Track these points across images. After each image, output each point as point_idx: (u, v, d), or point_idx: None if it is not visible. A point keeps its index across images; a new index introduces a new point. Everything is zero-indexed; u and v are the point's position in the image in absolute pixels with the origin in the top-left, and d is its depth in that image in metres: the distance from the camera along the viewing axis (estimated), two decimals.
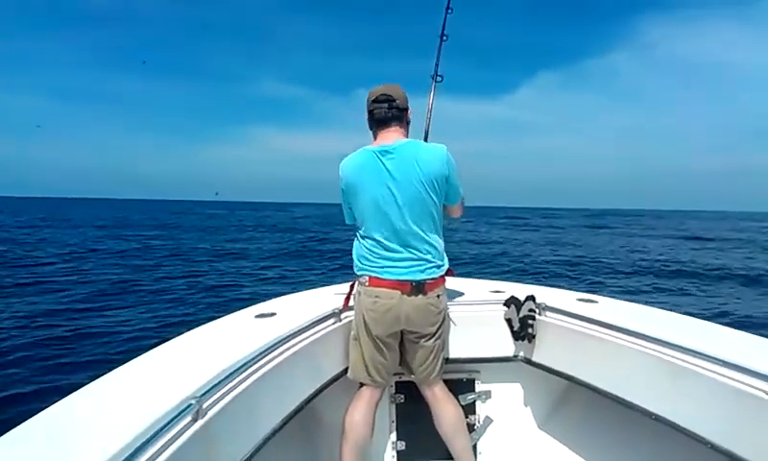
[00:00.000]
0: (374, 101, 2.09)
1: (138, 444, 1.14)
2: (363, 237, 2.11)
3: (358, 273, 2.12)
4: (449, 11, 2.85)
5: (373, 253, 2.07)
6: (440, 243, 2.11)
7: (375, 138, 2.13)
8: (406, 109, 2.14)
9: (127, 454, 1.10)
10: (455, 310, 2.41)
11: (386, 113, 2.07)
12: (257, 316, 2.19)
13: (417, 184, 1.99)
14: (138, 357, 1.73)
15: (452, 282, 2.81)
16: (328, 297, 2.53)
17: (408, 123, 2.18)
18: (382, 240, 2.04)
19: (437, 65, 2.75)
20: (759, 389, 1.55)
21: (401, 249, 2.03)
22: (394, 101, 2.07)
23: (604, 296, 2.62)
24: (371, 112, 2.11)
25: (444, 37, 2.82)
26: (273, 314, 2.21)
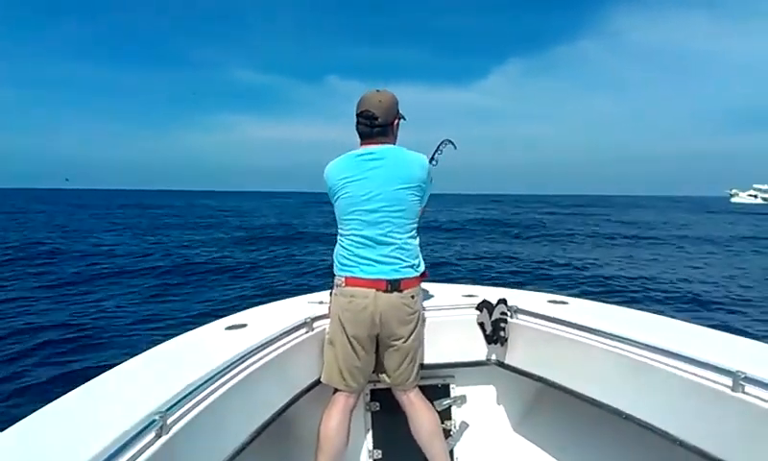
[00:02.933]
0: (359, 115, 2.15)
1: None
2: (342, 236, 2.16)
3: (336, 274, 2.15)
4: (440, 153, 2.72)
5: (351, 252, 2.10)
6: (415, 244, 2.16)
7: (361, 145, 2.19)
8: (391, 124, 2.18)
9: None
10: (429, 315, 2.41)
11: (368, 130, 2.15)
12: (228, 328, 2.14)
13: (397, 187, 2.08)
14: (103, 373, 1.66)
15: (426, 286, 2.82)
16: (302, 306, 2.50)
17: (394, 134, 2.23)
18: (360, 240, 2.08)
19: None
20: (724, 384, 1.59)
21: (378, 248, 2.07)
22: (376, 118, 2.12)
23: (575, 297, 2.66)
24: (357, 123, 2.17)
25: (434, 162, 2.65)
26: (243, 325, 2.16)
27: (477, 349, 2.48)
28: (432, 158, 2.72)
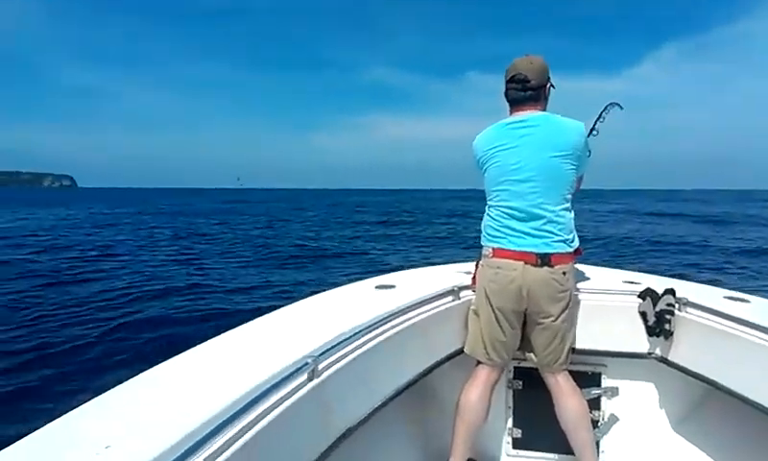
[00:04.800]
0: (509, 80, 2.07)
1: (253, 396, 1.18)
2: (491, 207, 2.11)
3: (483, 244, 2.11)
4: (602, 120, 2.60)
5: (500, 223, 2.04)
6: (569, 218, 2.03)
7: (510, 113, 2.11)
8: (543, 87, 2.08)
9: (242, 405, 1.14)
10: (584, 297, 2.26)
11: (520, 95, 2.06)
12: (377, 287, 2.24)
13: (550, 155, 1.97)
14: (259, 317, 1.83)
15: (582, 267, 2.65)
16: (449, 274, 2.51)
17: (547, 98, 2.13)
18: (509, 211, 2.01)
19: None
20: None
21: (529, 220, 1.98)
22: (528, 82, 2.03)
23: (758, 296, 2.30)
24: (506, 90, 2.10)
25: (595, 132, 2.55)
26: (392, 286, 2.24)
27: (636, 340, 2.27)
28: (593, 129, 2.55)
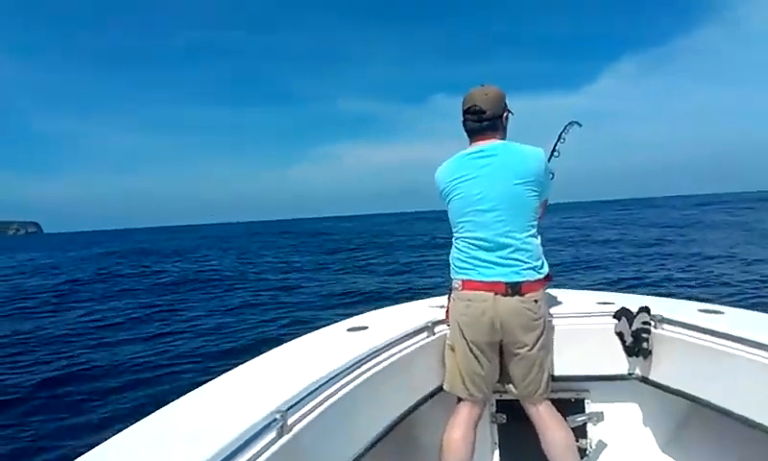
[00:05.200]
0: (466, 111, 2.07)
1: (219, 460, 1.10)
2: (457, 239, 2.08)
3: (452, 277, 2.08)
4: (562, 140, 2.66)
5: (467, 254, 2.02)
6: (536, 244, 2.01)
7: (471, 144, 2.11)
8: (500, 116, 2.08)
9: None
10: (559, 322, 2.23)
11: (477, 126, 2.06)
12: (349, 329, 2.16)
13: (512, 183, 1.96)
14: (227, 373, 1.73)
15: (554, 292, 2.63)
16: (422, 310, 2.46)
17: (505, 127, 2.13)
18: (475, 241, 1.99)
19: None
20: None
21: (496, 249, 1.96)
22: (483, 112, 2.03)
23: (730, 306, 2.31)
24: (463, 121, 2.10)
25: (557, 153, 2.60)
26: (365, 328, 2.17)
27: (616, 361, 2.24)
28: (554, 150, 2.58)
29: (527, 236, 1.98)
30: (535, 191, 2.00)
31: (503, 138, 2.11)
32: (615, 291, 2.93)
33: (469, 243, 2.01)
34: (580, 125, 2.82)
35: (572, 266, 14.55)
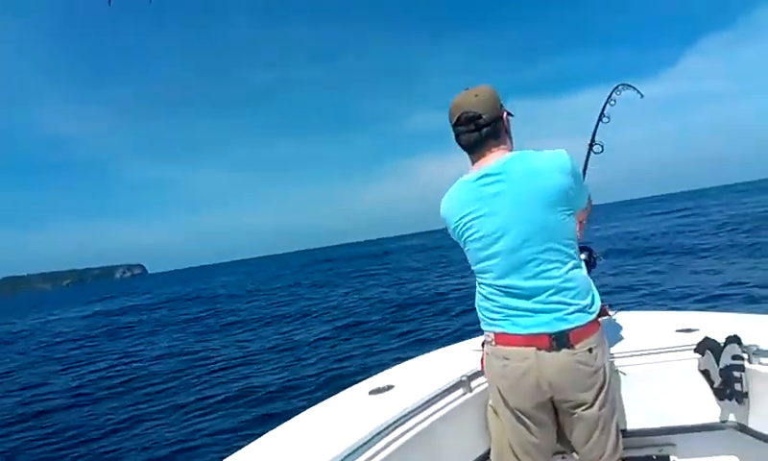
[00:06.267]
0: (456, 123, 1.69)
1: None
2: (481, 284, 1.73)
3: (483, 328, 1.73)
4: (612, 102, 2.56)
5: (495, 302, 1.66)
6: (582, 276, 1.63)
7: (473, 163, 1.73)
8: (500, 118, 1.69)
9: None
10: (627, 362, 1.86)
11: (475, 137, 1.67)
12: (371, 392, 1.92)
13: (535, 206, 1.57)
14: (241, 450, 1.59)
15: (621, 317, 2.23)
16: (454, 359, 2.15)
17: (508, 131, 1.75)
18: (503, 284, 1.62)
19: (593, 136, 2.45)
20: None
21: (531, 295, 1.58)
22: (480, 118, 1.64)
23: None
24: (456, 137, 1.72)
25: (606, 119, 2.51)
26: (389, 388, 1.92)
27: (704, 407, 1.82)
28: (602, 115, 2.44)
29: (568, 270, 1.60)
30: (567, 209, 1.60)
31: (511, 146, 1.74)
32: (706, 304, 2.45)
33: (496, 287, 1.65)
34: (641, 94, 2.66)
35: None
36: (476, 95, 1.67)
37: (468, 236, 1.68)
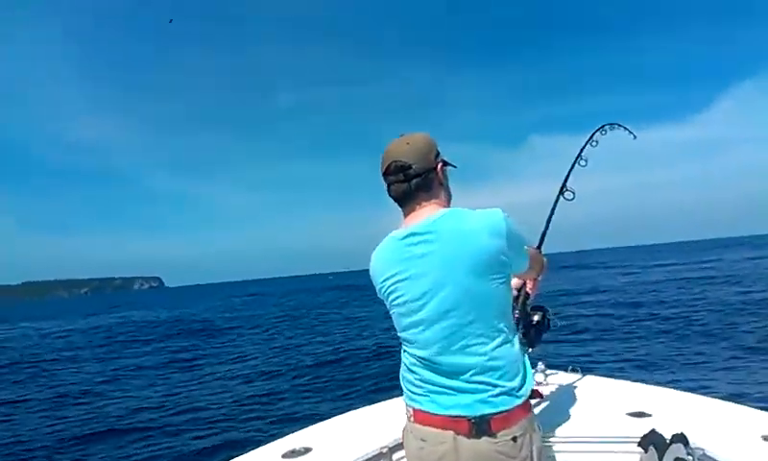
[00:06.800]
0: (385, 173, 1.57)
1: None
2: (405, 352, 1.58)
3: (404, 401, 1.58)
4: (594, 143, 2.46)
5: (417, 375, 1.50)
6: (512, 354, 1.46)
7: (405, 216, 1.59)
8: (433, 169, 1.56)
9: None
10: (562, 449, 1.71)
11: (404, 188, 1.54)
12: (285, 455, 1.77)
13: (462, 271, 1.41)
14: None
15: (558, 396, 2.08)
16: (380, 423, 2.00)
17: (443, 184, 1.61)
18: (425, 357, 1.47)
19: (565, 180, 2.33)
20: None
21: (453, 372, 1.43)
22: (409, 168, 1.51)
23: None
24: (387, 188, 1.59)
25: (583, 162, 2.39)
26: (306, 451, 1.77)
27: None
28: (578, 158, 2.31)
29: (496, 346, 1.43)
30: (499, 276, 1.45)
31: (446, 201, 1.60)
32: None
33: (417, 359, 1.51)
34: (633, 134, 2.52)
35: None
36: (408, 143, 1.55)
37: (393, 300, 1.55)
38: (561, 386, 2.18)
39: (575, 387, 2.14)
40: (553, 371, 2.37)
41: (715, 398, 2.01)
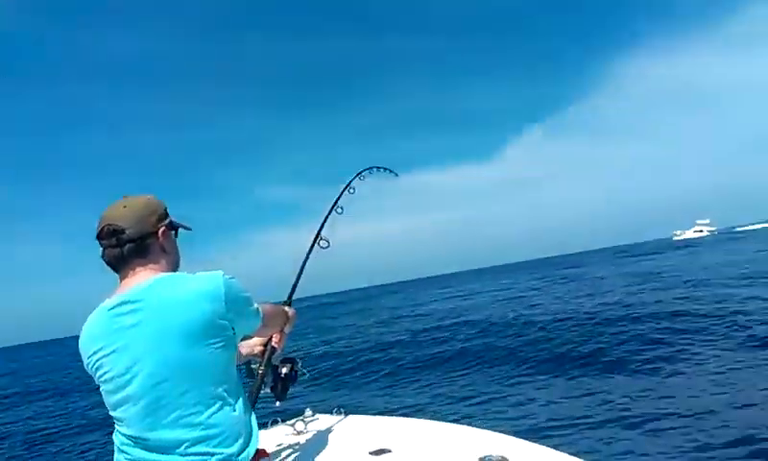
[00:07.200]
0: (98, 237, 1.48)
1: None
2: (116, 432, 1.46)
3: None
4: (351, 190, 2.52)
5: (128, 455, 1.40)
6: (231, 416, 1.41)
7: (120, 283, 1.50)
8: (153, 233, 1.50)
9: None
10: None
11: (116, 252, 1.46)
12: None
13: (173, 341, 1.35)
14: None
15: (307, 444, 2.06)
16: None
17: (165, 249, 1.54)
18: (136, 435, 1.38)
19: (320, 229, 2.37)
20: None
21: (165, 443, 1.36)
22: (122, 232, 1.44)
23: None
24: (102, 255, 1.49)
25: (339, 210, 2.46)
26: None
27: None
28: (335, 204, 2.33)
29: (212, 413, 1.37)
30: (218, 341, 1.40)
31: (168, 267, 1.53)
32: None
33: (128, 437, 1.40)
34: (395, 173, 2.58)
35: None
36: (125, 206, 1.49)
37: (100, 376, 1.42)
38: (317, 432, 2.18)
39: (330, 431, 2.15)
40: (314, 417, 2.36)
41: (449, 422, 2.16)
